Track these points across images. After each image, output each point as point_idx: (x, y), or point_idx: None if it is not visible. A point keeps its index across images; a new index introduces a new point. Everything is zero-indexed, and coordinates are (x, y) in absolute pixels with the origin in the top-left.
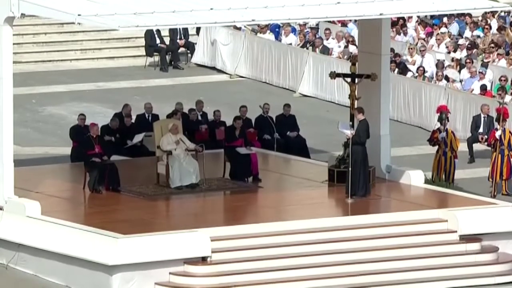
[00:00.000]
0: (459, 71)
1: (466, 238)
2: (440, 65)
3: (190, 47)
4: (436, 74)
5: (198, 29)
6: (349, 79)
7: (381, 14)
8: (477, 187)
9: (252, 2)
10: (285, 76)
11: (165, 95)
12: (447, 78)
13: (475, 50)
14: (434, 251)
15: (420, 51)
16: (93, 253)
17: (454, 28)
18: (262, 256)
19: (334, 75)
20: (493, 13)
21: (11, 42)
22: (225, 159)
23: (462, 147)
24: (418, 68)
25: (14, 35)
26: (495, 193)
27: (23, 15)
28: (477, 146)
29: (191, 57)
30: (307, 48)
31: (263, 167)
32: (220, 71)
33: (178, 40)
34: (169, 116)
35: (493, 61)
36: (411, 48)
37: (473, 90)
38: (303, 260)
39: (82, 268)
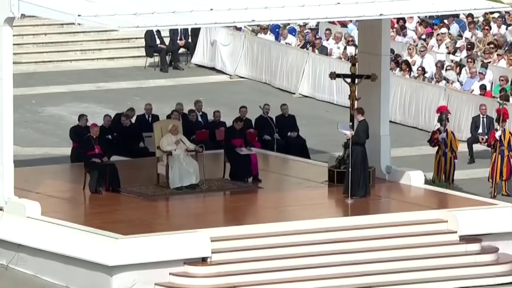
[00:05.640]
0: (459, 73)
1: (466, 239)
2: (440, 65)
3: (190, 47)
4: (437, 75)
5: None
6: (349, 80)
7: (381, 15)
8: (477, 188)
9: (252, 3)
10: (285, 77)
11: (165, 96)
12: (446, 79)
13: (474, 50)
14: (434, 252)
15: (420, 51)
16: (93, 253)
17: (454, 28)
18: (262, 257)
19: (334, 75)
20: (492, 13)
21: (11, 43)
22: (225, 160)
23: (462, 147)
24: (417, 69)
25: (14, 35)
26: (495, 194)
27: (23, 16)
28: (477, 147)
29: (191, 57)
30: (307, 49)
31: (263, 167)
32: (220, 72)
33: (178, 41)
34: (168, 117)
35: (494, 61)
36: (411, 49)
37: (473, 90)
38: (303, 261)
39: (82, 268)
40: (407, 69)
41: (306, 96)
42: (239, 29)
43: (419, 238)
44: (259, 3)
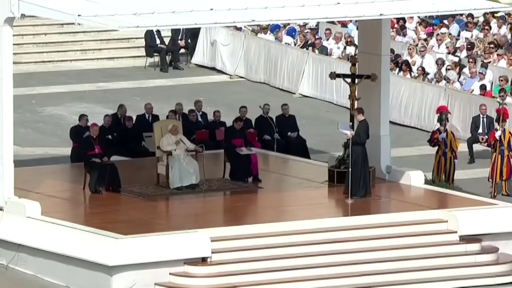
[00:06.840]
0: (459, 73)
1: (466, 239)
2: (440, 65)
3: (190, 47)
4: (437, 75)
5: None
6: (349, 80)
7: (381, 15)
8: (477, 188)
9: (252, 3)
10: (285, 77)
11: (165, 96)
12: (446, 79)
13: (474, 50)
14: (434, 252)
15: (420, 51)
16: (93, 253)
17: (454, 28)
18: (262, 257)
19: (334, 75)
20: (492, 13)
21: (11, 43)
22: (225, 160)
23: (462, 147)
24: (417, 69)
25: (14, 35)
26: (495, 194)
27: (23, 16)
28: (477, 147)
29: (191, 57)
30: (307, 49)
31: (263, 167)
32: (220, 72)
33: (179, 41)
34: (168, 117)
35: (494, 61)
36: (411, 49)
37: (473, 90)
38: (303, 261)
39: (82, 268)
40: (407, 69)
41: (306, 96)
42: (239, 29)
43: (419, 238)
44: (259, 3)
